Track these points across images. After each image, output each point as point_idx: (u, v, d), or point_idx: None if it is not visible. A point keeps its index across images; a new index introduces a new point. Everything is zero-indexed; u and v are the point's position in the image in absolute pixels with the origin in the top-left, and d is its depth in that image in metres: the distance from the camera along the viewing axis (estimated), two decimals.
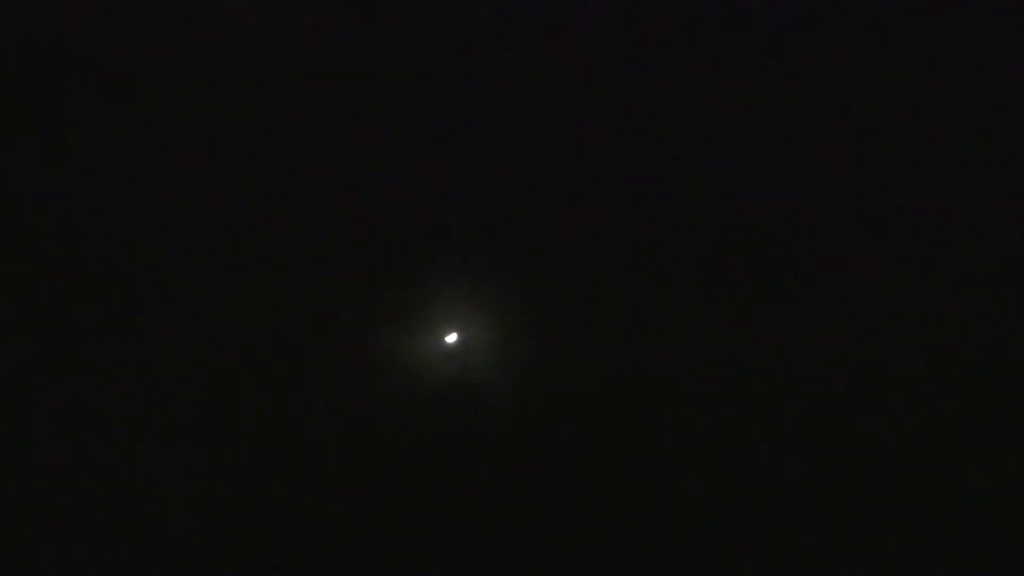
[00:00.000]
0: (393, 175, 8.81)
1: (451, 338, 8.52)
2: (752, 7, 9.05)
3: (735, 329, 8.58)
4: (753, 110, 9.00)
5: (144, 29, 9.02)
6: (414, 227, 8.70)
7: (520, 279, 8.68)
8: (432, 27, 9.07)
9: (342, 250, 8.66)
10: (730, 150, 8.94)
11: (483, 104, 8.91)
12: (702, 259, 8.72)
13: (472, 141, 8.86)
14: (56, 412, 8.33)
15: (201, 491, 8.25)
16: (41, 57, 8.96)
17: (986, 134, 8.87)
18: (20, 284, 8.57)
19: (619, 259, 8.73)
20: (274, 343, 8.51)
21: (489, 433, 8.42)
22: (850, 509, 8.30)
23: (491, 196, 8.79)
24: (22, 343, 8.46)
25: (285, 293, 8.59)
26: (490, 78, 8.94)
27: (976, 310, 8.60)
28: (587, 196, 8.84)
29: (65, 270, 8.62)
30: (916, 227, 8.77)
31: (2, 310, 8.52)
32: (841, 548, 8.22)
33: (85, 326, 8.50)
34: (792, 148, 8.93)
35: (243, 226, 8.67)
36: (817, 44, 9.11)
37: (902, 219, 8.79)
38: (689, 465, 8.38)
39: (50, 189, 8.71)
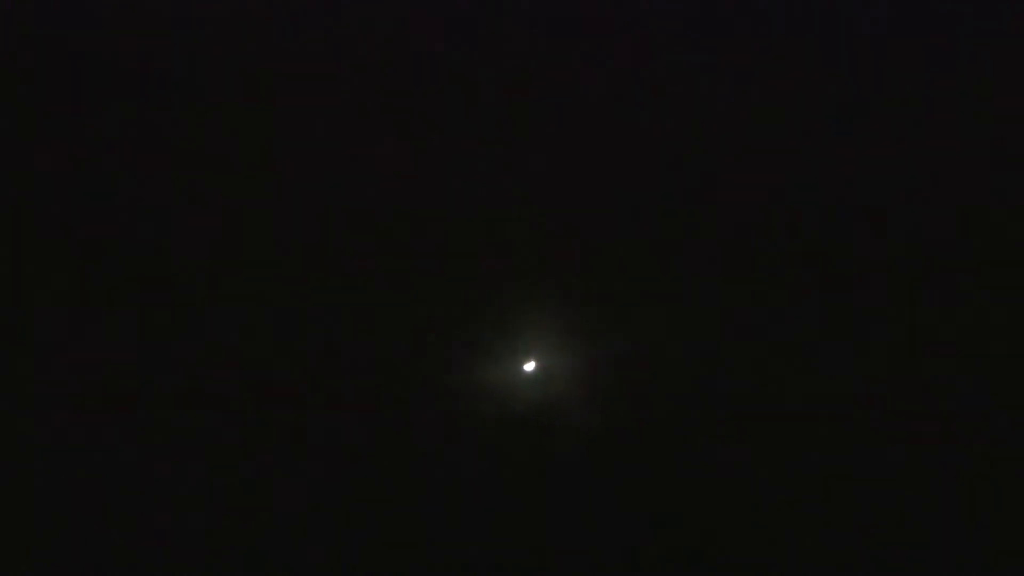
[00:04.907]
0: (476, 201, 8.69)
1: (530, 366, 8.38)
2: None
3: (833, 357, 8.47)
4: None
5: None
6: (493, 252, 8.61)
7: (601, 304, 8.57)
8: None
9: (420, 276, 8.54)
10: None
11: (569, 129, 8.87)
12: (793, 283, 8.64)
13: (553, 165, 8.79)
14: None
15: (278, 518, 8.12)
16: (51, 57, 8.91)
17: None
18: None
19: (705, 285, 8.61)
20: (354, 370, 8.36)
21: (570, 461, 8.26)
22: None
23: (575, 222, 8.69)
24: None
25: (364, 320, 8.45)
26: (581, 106, 8.92)
27: None
28: (673, 224, 8.75)
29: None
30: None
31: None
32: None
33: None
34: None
35: (321, 249, 8.56)
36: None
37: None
38: (777, 491, 8.24)
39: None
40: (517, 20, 9.14)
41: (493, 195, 8.69)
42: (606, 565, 8.11)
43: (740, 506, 8.23)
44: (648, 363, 8.45)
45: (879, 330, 8.63)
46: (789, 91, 9.09)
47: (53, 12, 9.03)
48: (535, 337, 8.43)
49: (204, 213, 8.62)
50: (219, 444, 8.15)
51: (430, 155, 8.74)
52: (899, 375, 8.55)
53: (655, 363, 8.45)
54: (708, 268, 8.66)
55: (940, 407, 8.45)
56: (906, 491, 8.30)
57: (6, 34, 8.97)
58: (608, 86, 8.97)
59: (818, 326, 8.60)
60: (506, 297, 8.46)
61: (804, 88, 9.11)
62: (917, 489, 8.31)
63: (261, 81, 8.95)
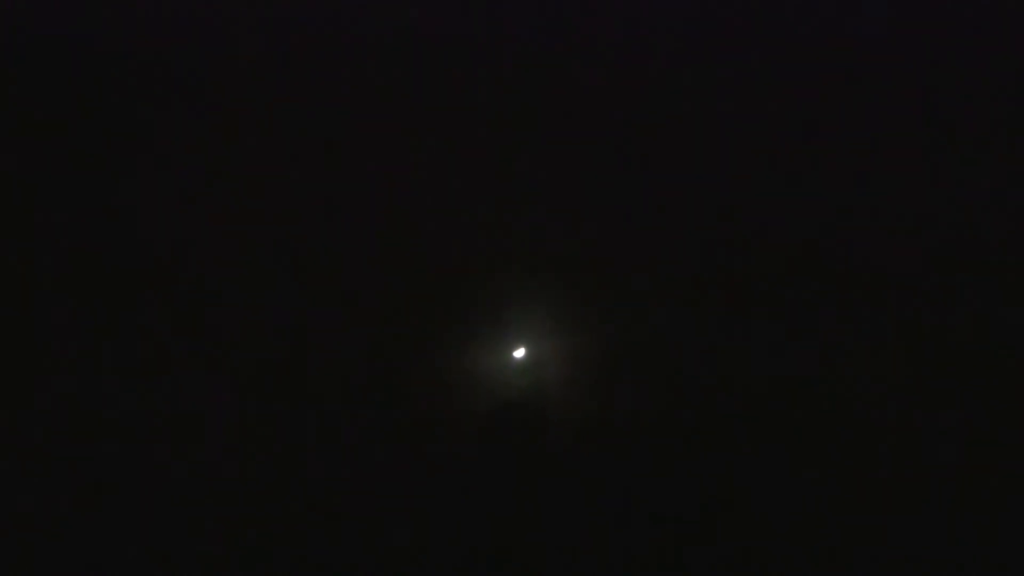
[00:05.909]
0: (468, 195, 8.88)
1: (519, 353, 8.55)
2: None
3: (804, 348, 8.69)
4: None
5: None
6: (484, 243, 8.77)
7: (589, 294, 8.77)
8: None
9: (412, 267, 8.72)
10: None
11: (558, 126, 9.05)
12: (774, 277, 8.83)
13: (544, 161, 8.98)
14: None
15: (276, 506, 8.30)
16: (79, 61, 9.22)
17: None
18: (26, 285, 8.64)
19: (689, 276, 8.78)
20: (346, 358, 8.53)
21: (559, 446, 8.44)
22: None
23: (563, 214, 8.88)
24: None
25: (356, 309, 8.62)
26: (577, 106, 9.08)
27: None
28: (658, 216, 8.94)
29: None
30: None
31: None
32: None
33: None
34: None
35: (314, 242, 8.71)
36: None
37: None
38: (760, 478, 8.41)
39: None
40: (512, 22, 9.23)
41: (484, 188, 8.81)
42: (594, 547, 8.27)
43: (725, 491, 8.44)
44: (635, 351, 8.66)
45: (865, 326, 8.73)
46: (777, 95, 9.15)
47: (52, 11, 9.13)
48: (525, 325, 8.62)
49: (199, 209, 8.76)
50: (213, 435, 8.33)
51: (422, 150, 8.86)
52: (886, 372, 8.67)
53: (642, 351, 8.66)
54: (694, 260, 8.76)
55: (932, 406, 8.54)
56: (894, 489, 8.43)
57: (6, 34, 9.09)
58: (598, 85, 9.05)
59: (801, 323, 8.70)
60: (497, 286, 8.64)
61: (796, 92, 9.18)
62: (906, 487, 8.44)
63: (259, 81, 9.08)
